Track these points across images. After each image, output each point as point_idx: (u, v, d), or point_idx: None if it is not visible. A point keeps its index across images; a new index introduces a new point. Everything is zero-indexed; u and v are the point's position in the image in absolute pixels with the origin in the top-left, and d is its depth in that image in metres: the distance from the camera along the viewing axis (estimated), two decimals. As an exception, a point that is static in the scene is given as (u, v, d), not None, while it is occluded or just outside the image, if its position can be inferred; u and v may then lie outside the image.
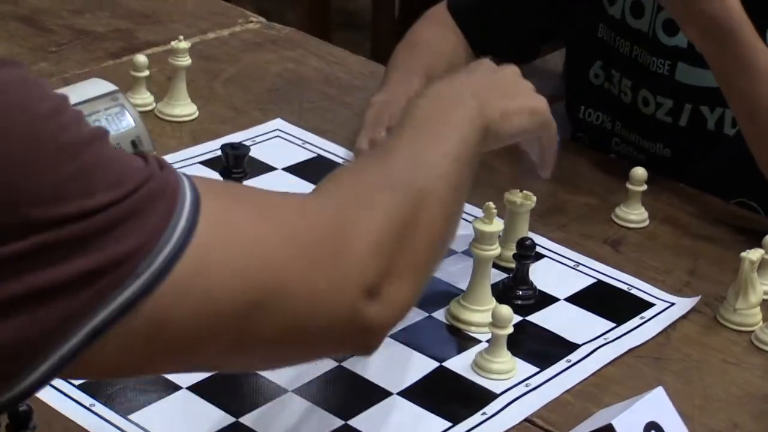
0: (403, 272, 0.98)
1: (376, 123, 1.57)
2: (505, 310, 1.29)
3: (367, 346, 1.00)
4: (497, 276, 1.44)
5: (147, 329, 0.81)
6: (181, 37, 1.76)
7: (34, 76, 0.80)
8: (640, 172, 1.59)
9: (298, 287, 0.90)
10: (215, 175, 1.52)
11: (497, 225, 1.37)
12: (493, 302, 1.38)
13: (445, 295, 1.42)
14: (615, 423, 1.17)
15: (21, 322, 0.76)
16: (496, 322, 1.29)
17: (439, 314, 1.40)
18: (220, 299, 0.85)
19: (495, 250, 1.37)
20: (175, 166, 1.57)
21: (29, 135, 0.76)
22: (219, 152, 1.60)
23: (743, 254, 1.40)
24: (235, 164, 1.46)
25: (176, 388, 1.24)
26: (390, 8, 3.62)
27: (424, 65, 1.72)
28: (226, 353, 0.91)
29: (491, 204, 1.37)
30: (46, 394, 1.20)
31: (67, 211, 0.77)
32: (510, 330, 1.29)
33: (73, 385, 1.23)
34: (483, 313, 1.36)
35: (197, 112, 1.76)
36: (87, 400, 1.22)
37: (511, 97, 1.28)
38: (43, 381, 0.79)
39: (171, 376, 1.25)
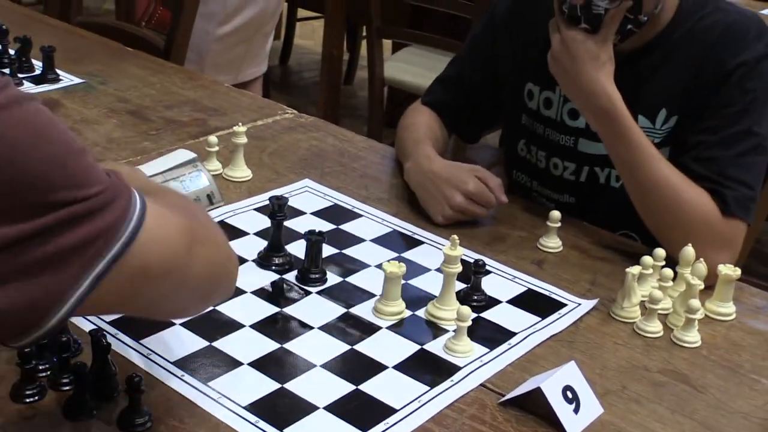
0: None
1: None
2: (465, 309, 1.29)
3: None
4: (460, 286, 1.44)
5: (133, 271, 0.84)
6: (240, 123, 1.76)
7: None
8: (555, 213, 1.60)
9: (205, 240, 0.96)
10: (265, 219, 1.51)
11: (460, 251, 1.37)
12: (457, 304, 1.37)
13: (424, 299, 1.41)
14: (542, 386, 1.18)
15: (49, 277, 0.78)
16: (459, 318, 1.29)
17: (420, 312, 1.39)
18: (171, 243, 0.89)
19: (458, 268, 1.37)
20: (237, 212, 1.61)
21: (60, 139, 0.80)
22: (267, 202, 1.60)
23: (627, 269, 1.41)
24: (279, 210, 1.45)
25: (240, 363, 1.24)
26: (380, 104, 3.63)
27: (424, 134, 1.77)
28: (178, 288, 0.94)
29: (455, 236, 1.37)
30: (151, 369, 1.21)
31: (78, 195, 0.80)
32: (469, 323, 1.29)
33: (169, 361, 1.23)
34: (450, 312, 1.36)
35: (251, 175, 1.75)
36: (179, 372, 1.22)
37: None
38: (64, 319, 0.81)
39: (236, 356, 1.26)
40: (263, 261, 1.47)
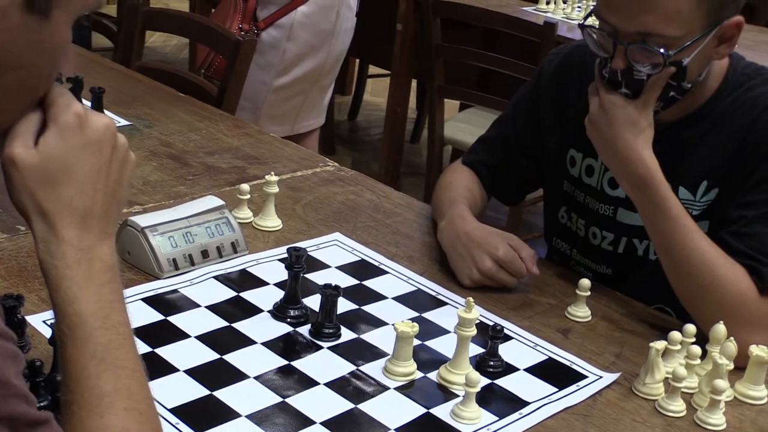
0: None
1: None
2: (474, 374, 1.25)
3: None
4: (477, 350, 1.40)
5: None
6: (272, 173, 1.74)
7: None
8: (585, 282, 1.55)
9: None
10: (282, 269, 1.48)
11: (475, 313, 1.33)
12: (470, 368, 1.34)
13: (438, 361, 1.37)
14: (544, 459, 1.13)
15: None
16: (467, 383, 1.25)
17: (433, 375, 1.35)
18: None
19: (473, 331, 1.34)
20: (261, 261, 1.59)
21: None
22: (291, 253, 1.59)
23: (651, 344, 1.36)
24: (296, 261, 1.43)
25: (238, 415, 1.22)
26: (439, 163, 3.62)
27: (461, 194, 1.75)
28: None
29: (471, 299, 1.34)
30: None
31: None
32: (477, 389, 1.25)
33: (166, 407, 1.21)
34: (462, 376, 1.31)
35: (281, 225, 1.74)
36: (174, 419, 1.19)
37: None
38: None
39: (235, 407, 1.23)
40: (278, 312, 1.45)
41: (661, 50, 1.46)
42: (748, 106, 1.56)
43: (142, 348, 1.31)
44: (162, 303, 1.45)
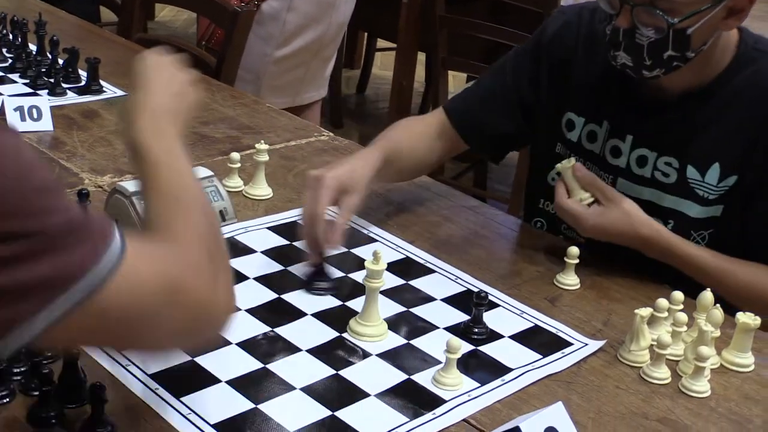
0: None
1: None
2: (455, 341, 1.24)
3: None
4: (460, 317, 1.40)
5: (97, 316, 0.82)
6: (262, 141, 1.74)
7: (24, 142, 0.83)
8: (574, 250, 1.53)
9: (192, 288, 0.90)
10: (275, 238, 1.47)
11: (382, 265, 1.33)
12: (381, 320, 1.35)
13: (422, 328, 1.37)
14: (521, 425, 1.12)
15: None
16: (448, 349, 1.24)
17: (415, 341, 1.34)
18: (145, 297, 0.86)
19: (380, 282, 1.34)
20: (249, 230, 1.59)
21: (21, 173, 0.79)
22: (281, 221, 1.58)
23: (636, 311, 1.34)
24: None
25: (218, 381, 1.21)
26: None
27: (385, 143, 1.72)
28: (148, 333, 0.90)
29: (378, 250, 1.34)
30: (125, 379, 1.19)
31: (34, 228, 0.78)
32: (458, 355, 1.24)
33: (146, 372, 1.21)
34: (372, 328, 1.34)
35: (272, 194, 1.73)
36: (153, 384, 1.19)
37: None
38: (18, 349, 0.81)
39: (216, 373, 1.23)
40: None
41: (666, 16, 1.43)
42: (764, 86, 1.53)
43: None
44: (148, 270, 1.44)
